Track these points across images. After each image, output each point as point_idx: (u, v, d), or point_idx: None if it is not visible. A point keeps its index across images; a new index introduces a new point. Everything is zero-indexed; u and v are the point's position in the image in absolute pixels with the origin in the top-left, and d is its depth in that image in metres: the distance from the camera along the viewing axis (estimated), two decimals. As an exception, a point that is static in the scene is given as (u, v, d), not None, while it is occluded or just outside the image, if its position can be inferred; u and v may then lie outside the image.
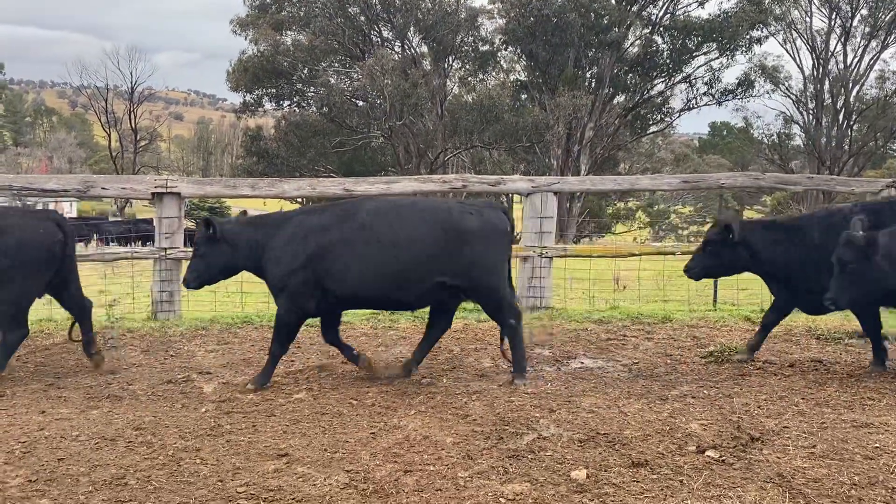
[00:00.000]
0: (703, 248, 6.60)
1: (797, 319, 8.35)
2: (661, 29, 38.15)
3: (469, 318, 8.37)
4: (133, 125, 60.09)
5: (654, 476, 4.15)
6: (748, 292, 10.12)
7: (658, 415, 5.15)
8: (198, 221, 5.92)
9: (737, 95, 40.32)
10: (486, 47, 39.13)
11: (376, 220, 5.78)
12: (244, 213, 6.53)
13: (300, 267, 5.70)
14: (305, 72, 37.23)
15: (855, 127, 44.26)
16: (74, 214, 52.12)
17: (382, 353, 6.98)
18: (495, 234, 5.91)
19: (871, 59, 42.57)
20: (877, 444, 4.60)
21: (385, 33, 38.70)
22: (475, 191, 9.30)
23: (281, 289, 5.79)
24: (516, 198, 36.35)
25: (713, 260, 6.52)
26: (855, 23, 42.24)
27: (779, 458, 4.40)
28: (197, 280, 6.03)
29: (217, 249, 5.91)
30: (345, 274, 5.71)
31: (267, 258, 5.82)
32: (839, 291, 5.64)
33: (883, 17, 40.74)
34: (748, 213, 56.57)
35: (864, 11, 41.51)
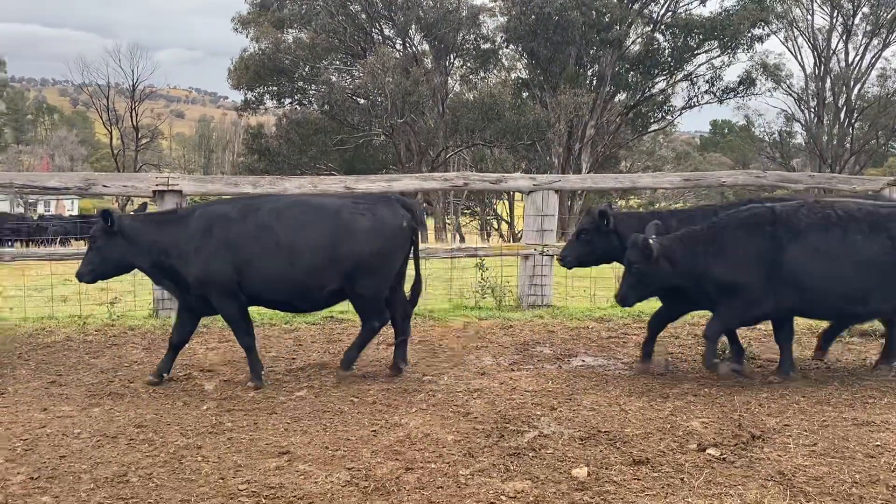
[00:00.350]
0: (576, 237, 6.69)
1: (798, 318, 8.34)
2: (663, 27, 38.11)
3: (470, 315, 8.38)
4: (134, 123, 60.00)
5: (656, 474, 4.15)
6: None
7: (659, 413, 5.16)
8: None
9: (738, 93, 40.29)
10: (488, 45, 39.11)
11: (276, 222, 5.67)
12: (143, 206, 6.45)
13: (213, 257, 5.62)
14: (307, 70, 37.21)
15: (856, 125, 44.22)
16: (76, 212, 52.10)
17: (384, 350, 6.98)
18: (387, 231, 5.80)
19: (873, 57, 42.56)
20: (878, 443, 4.61)
21: (386, 31, 38.71)
22: (476, 188, 9.33)
23: (205, 284, 5.68)
24: (517, 195, 36.36)
25: (586, 248, 6.62)
26: (856, 21, 42.20)
27: (780, 456, 4.40)
28: (91, 274, 5.86)
29: (114, 243, 5.75)
30: (247, 269, 5.63)
31: (176, 255, 5.70)
32: (625, 290, 5.92)
33: (884, 15, 40.69)
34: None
35: (866, 9, 41.46)
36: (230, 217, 5.72)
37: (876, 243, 5.43)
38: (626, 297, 5.95)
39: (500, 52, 39.89)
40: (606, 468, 4.22)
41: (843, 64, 43.30)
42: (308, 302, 5.91)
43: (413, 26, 37.36)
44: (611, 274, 13.91)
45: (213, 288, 5.67)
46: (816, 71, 43.71)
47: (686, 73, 38.99)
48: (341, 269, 5.69)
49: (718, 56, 38.44)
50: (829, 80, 43.57)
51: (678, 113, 41.69)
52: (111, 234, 5.73)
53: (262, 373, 5.87)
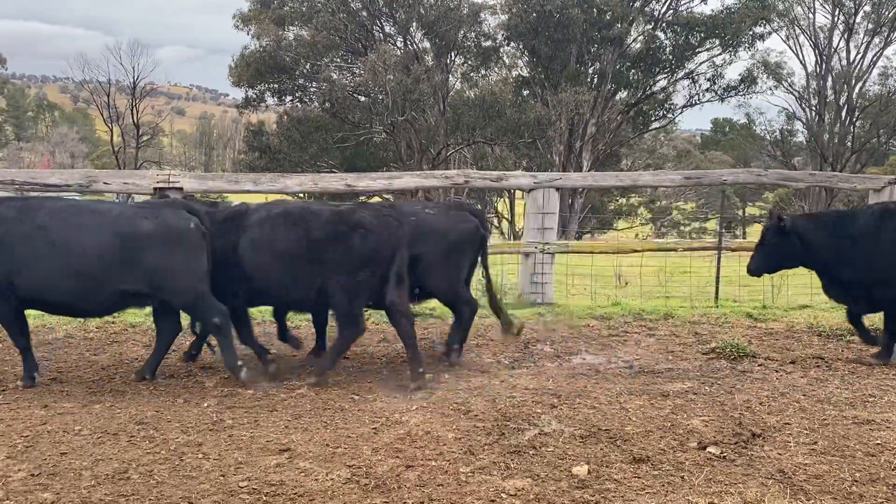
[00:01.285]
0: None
1: (799, 316, 8.36)
2: (664, 25, 38.06)
3: (471, 313, 8.37)
4: (135, 120, 59.95)
5: (656, 472, 4.15)
6: (750, 289, 10.11)
7: (659, 411, 5.16)
8: None
9: (739, 92, 40.23)
10: (489, 43, 39.05)
11: (53, 223, 5.56)
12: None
13: None
14: (308, 67, 37.13)
15: (857, 124, 44.20)
16: (76, 209, 52.00)
17: (385, 348, 6.99)
18: (173, 234, 5.71)
19: (874, 55, 42.56)
20: (878, 441, 4.61)
21: (387, 29, 38.65)
22: (477, 186, 9.32)
23: None
24: (518, 193, 36.34)
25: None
26: (858, 19, 42.19)
27: (780, 454, 4.40)
28: None
29: None
30: (21, 272, 5.52)
31: None
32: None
33: (886, 13, 40.66)
34: (750, 210, 56.53)
35: (867, 8, 41.44)
36: (6, 217, 5.59)
37: (294, 238, 5.81)
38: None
39: (501, 50, 39.85)
40: (607, 466, 4.22)
41: (844, 62, 43.31)
42: (92, 302, 5.71)
43: (414, 24, 37.30)
44: (611, 272, 13.95)
45: None
46: (818, 69, 43.72)
47: (687, 71, 38.95)
48: (134, 270, 5.58)
49: (720, 54, 38.42)
50: (830, 79, 43.56)
51: (679, 111, 41.67)
52: None
53: (35, 374, 5.77)
